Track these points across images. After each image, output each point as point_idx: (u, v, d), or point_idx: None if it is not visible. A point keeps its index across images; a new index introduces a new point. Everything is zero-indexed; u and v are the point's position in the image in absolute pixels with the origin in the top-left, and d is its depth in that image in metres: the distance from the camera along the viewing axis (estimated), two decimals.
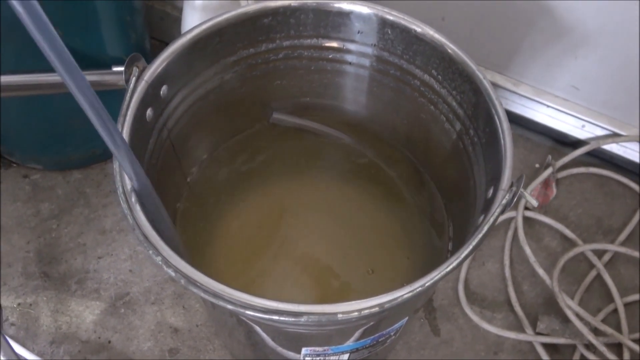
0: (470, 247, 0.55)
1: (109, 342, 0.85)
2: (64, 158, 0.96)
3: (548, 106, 0.97)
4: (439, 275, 0.53)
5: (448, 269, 0.53)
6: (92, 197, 0.95)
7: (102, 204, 0.94)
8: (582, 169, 0.98)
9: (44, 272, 0.89)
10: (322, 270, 0.79)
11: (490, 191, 0.61)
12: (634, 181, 0.97)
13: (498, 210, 0.57)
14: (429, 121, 0.75)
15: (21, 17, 0.37)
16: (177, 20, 0.88)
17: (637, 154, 0.96)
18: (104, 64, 0.86)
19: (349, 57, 0.75)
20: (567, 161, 0.97)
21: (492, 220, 0.57)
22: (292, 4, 0.70)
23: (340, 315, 0.52)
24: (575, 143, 0.99)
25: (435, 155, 0.78)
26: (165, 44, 1.07)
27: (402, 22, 0.69)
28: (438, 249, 0.78)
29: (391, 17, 0.69)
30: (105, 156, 0.97)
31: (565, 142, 1.00)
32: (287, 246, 0.81)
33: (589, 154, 0.98)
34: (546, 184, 0.95)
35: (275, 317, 0.52)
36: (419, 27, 0.68)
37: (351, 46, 0.74)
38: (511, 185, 0.59)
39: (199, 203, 0.80)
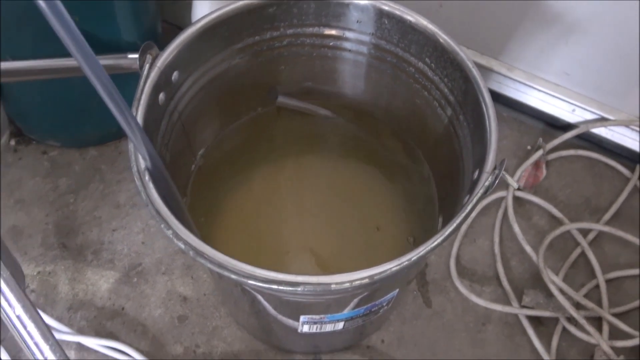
0: (454, 225, 0.59)
1: (123, 308, 0.89)
2: (80, 136, 1.00)
3: (540, 91, 1.00)
4: (425, 251, 0.57)
5: (433, 245, 0.57)
6: (107, 174, 0.99)
7: (116, 180, 0.98)
8: (571, 152, 1.01)
9: (62, 243, 0.93)
10: (325, 236, 0.84)
11: (476, 173, 0.65)
12: (621, 163, 1.00)
13: (481, 191, 0.61)
14: (423, 106, 0.79)
15: (41, 9, 0.42)
16: (188, 4, 0.92)
17: (625, 138, 0.99)
18: (118, 48, 0.91)
19: (349, 45, 0.79)
20: (557, 144, 1.00)
21: (475, 200, 0.60)
22: None
23: (333, 286, 0.56)
24: (566, 126, 1.02)
25: (428, 137, 0.81)
26: (176, 27, 1.11)
27: (397, 12, 0.72)
28: (432, 219, 0.82)
29: (387, 8, 0.73)
30: (120, 134, 1.01)
31: (556, 125, 1.03)
32: (291, 218, 0.85)
33: (579, 137, 1.01)
34: (537, 165, 0.99)
35: (275, 287, 0.56)
36: (413, 18, 0.72)
37: (350, 34, 0.77)
38: (494, 168, 0.63)
39: (207, 179, 0.83)
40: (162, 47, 0.92)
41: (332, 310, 0.70)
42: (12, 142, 1.01)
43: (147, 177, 0.61)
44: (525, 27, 0.93)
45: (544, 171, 0.99)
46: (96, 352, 0.85)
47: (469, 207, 0.60)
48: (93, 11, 0.84)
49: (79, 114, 0.97)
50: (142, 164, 0.61)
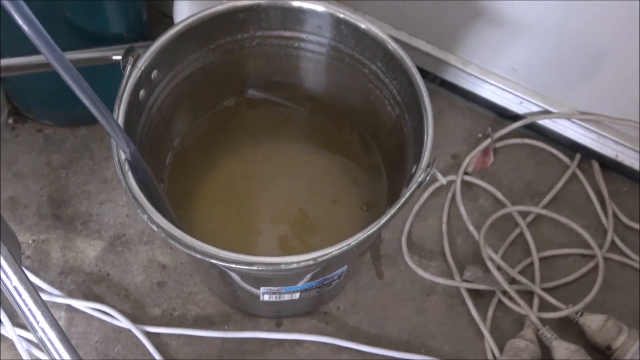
0: (387, 217, 0.67)
1: (108, 274, 0.97)
2: (72, 116, 1.06)
3: (492, 84, 1.07)
4: (359, 240, 0.65)
5: (365, 235, 0.65)
6: (96, 151, 1.06)
7: (104, 157, 1.05)
8: (518, 140, 1.09)
9: (54, 214, 1.01)
10: (290, 213, 0.92)
11: (414, 168, 0.74)
12: (562, 152, 1.08)
13: (414, 186, 0.69)
14: (376, 102, 0.87)
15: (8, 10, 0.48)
16: None
17: (566, 129, 1.06)
18: (106, 40, 0.97)
19: (311, 46, 0.86)
20: (505, 132, 1.08)
21: (408, 194, 0.68)
22: (262, 4, 0.80)
23: (282, 266, 0.65)
24: (514, 117, 1.09)
25: (381, 130, 0.89)
26: (162, 14, 1.18)
27: (352, 20, 0.79)
28: (382, 191, 0.91)
29: (342, 16, 0.79)
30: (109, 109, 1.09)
31: (506, 116, 1.10)
32: (259, 197, 0.93)
33: (525, 127, 1.08)
34: (485, 152, 1.07)
35: (233, 266, 0.65)
36: (365, 25, 0.79)
37: (312, 37, 0.84)
38: (428, 166, 0.71)
39: (183, 163, 0.91)
40: (147, 34, 1.00)
41: (288, 283, 0.79)
42: (10, 120, 1.08)
43: (126, 167, 0.69)
44: (479, 27, 1.00)
45: (492, 157, 1.07)
46: (84, 313, 0.93)
47: (402, 200, 0.68)
48: (82, 6, 0.89)
49: (71, 96, 1.02)
50: (122, 155, 0.69)
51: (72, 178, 1.04)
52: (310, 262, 0.65)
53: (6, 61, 0.87)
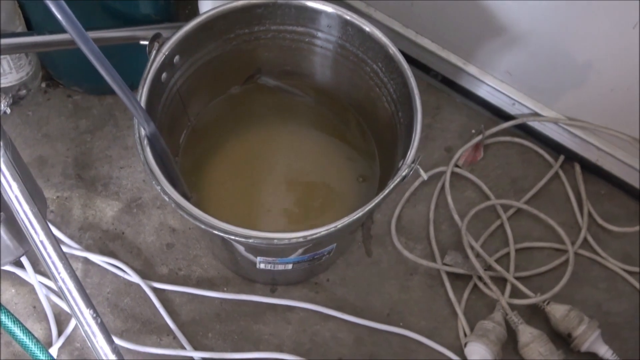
0: (370, 206, 0.73)
1: (123, 233, 1.04)
2: (100, 85, 1.08)
3: (488, 85, 1.12)
4: (343, 224, 0.72)
5: (349, 220, 0.72)
6: (119, 119, 1.12)
7: (127, 126, 1.12)
8: (508, 138, 1.15)
9: (78, 175, 1.08)
10: (293, 187, 0.99)
11: (401, 162, 0.80)
12: (548, 153, 1.13)
13: (398, 179, 0.76)
14: (375, 98, 0.93)
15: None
16: None
17: (553, 132, 1.11)
18: (136, 20, 1.04)
19: (320, 42, 0.92)
20: (497, 130, 1.13)
21: (392, 186, 0.75)
22: (278, 1, 0.88)
23: (275, 241, 0.72)
24: (507, 117, 1.14)
25: (378, 123, 0.95)
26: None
27: (357, 22, 0.86)
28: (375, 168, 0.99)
29: (348, 17, 0.86)
30: (133, 88, 1.16)
31: (500, 115, 1.15)
32: (266, 173, 1.00)
33: (516, 126, 1.13)
34: (476, 147, 1.13)
35: (233, 237, 0.72)
36: (369, 28, 0.85)
37: (322, 35, 0.90)
38: (413, 162, 0.78)
39: (197, 139, 0.98)
40: (174, 14, 1.06)
41: (282, 255, 0.86)
42: (43, 85, 1.15)
43: (145, 142, 0.77)
44: (480, 30, 1.06)
45: (482, 153, 1.13)
46: (99, 266, 1.01)
47: (385, 192, 0.75)
48: None
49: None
50: (142, 132, 0.77)
51: (96, 143, 1.11)
52: (301, 240, 0.73)
53: (35, 38, 0.95)
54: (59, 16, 0.56)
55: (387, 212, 1.08)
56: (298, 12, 0.89)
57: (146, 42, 0.83)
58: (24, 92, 1.12)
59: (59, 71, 1.15)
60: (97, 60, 0.61)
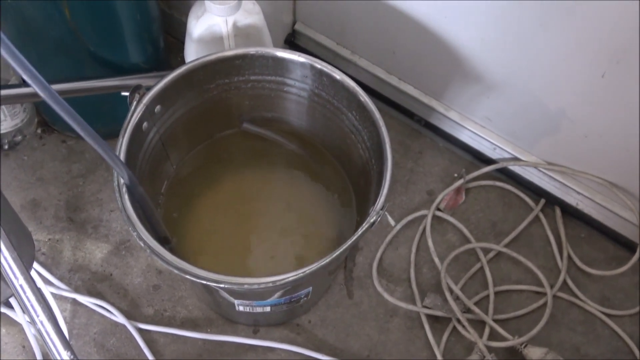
0: (337, 252, 0.75)
1: (111, 274, 1.07)
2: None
3: (469, 130, 1.15)
4: (311, 270, 0.74)
5: (316, 267, 0.73)
6: None
7: None
8: (489, 182, 1.17)
9: (69, 217, 1.11)
10: (273, 231, 1.02)
11: (372, 208, 0.83)
12: (528, 196, 1.15)
13: (366, 226, 0.78)
14: (350, 144, 0.95)
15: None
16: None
17: (533, 176, 1.13)
18: (125, 69, 1.08)
19: (298, 91, 0.95)
20: (478, 174, 1.16)
21: (360, 232, 0.77)
22: (257, 52, 0.90)
23: (246, 286, 0.74)
24: (488, 161, 1.17)
25: (353, 169, 0.98)
26: (180, 42, 1.27)
27: (327, 70, 0.89)
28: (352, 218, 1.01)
29: (319, 66, 0.89)
30: None
31: (481, 159, 1.18)
32: (246, 218, 1.02)
33: (497, 170, 1.16)
34: (458, 191, 1.15)
35: (205, 282, 0.74)
36: (339, 76, 0.89)
37: (299, 84, 0.94)
38: (382, 208, 0.81)
39: (181, 184, 1.01)
40: (164, 60, 1.10)
41: (259, 298, 0.88)
42: (39, 131, 1.19)
43: (124, 190, 0.80)
44: (459, 79, 1.09)
45: (463, 196, 1.16)
46: (86, 307, 1.03)
47: (352, 239, 0.77)
48: (104, 39, 0.99)
49: (92, 113, 1.13)
50: (122, 181, 0.80)
51: (88, 186, 1.15)
52: (270, 285, 0.75)
53: (5, 91, 0.98)
54: (23, 74, 0.54)
55: (369, 255, 1.10)
56: (275, 63, 0.93)
57: (127, 94, 0.86)
58: (19, 137, 1.16)
59: (53, 117, 1.18)
60: (68, 114, 0.64)
